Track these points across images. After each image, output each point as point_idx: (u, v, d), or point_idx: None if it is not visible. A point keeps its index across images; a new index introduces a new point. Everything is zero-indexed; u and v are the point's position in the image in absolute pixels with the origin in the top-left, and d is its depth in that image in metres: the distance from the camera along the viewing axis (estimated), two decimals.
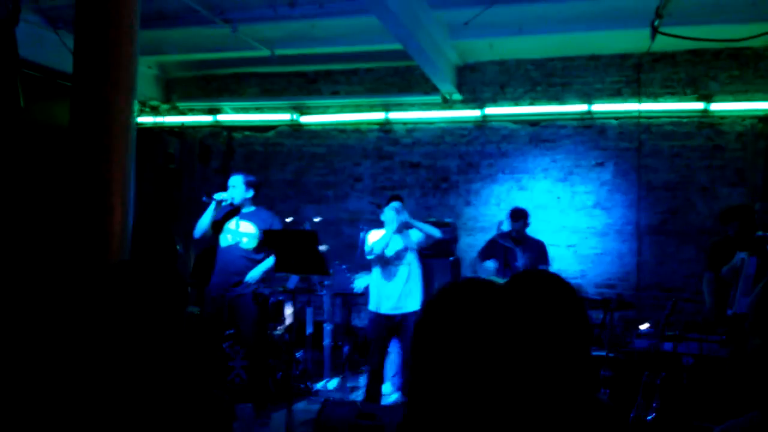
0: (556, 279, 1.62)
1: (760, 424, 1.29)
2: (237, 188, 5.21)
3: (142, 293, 1.50)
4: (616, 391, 4.39)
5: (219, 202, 5.14)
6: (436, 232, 5.23)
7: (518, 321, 1.56)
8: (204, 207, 5.20)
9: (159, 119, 8.45)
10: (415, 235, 5.21)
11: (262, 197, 8.03)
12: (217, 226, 5.20)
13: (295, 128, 8.16)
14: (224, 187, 5.31)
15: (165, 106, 8.50)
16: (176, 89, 8.54)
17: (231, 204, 5.18)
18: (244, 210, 5.25)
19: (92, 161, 2.89)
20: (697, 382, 4.36)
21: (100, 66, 2.98)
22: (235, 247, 5.17)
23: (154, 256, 6.07)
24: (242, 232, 5.20)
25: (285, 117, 8.11)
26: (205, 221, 5.16)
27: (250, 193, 5.27)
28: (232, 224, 5.22)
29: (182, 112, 8.47)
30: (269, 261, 5.19)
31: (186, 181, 8.49)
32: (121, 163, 2.94)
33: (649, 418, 4.14)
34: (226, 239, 5.21)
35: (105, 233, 2.84)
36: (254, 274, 5.15)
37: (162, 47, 7.11)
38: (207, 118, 8.40)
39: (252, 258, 5.19)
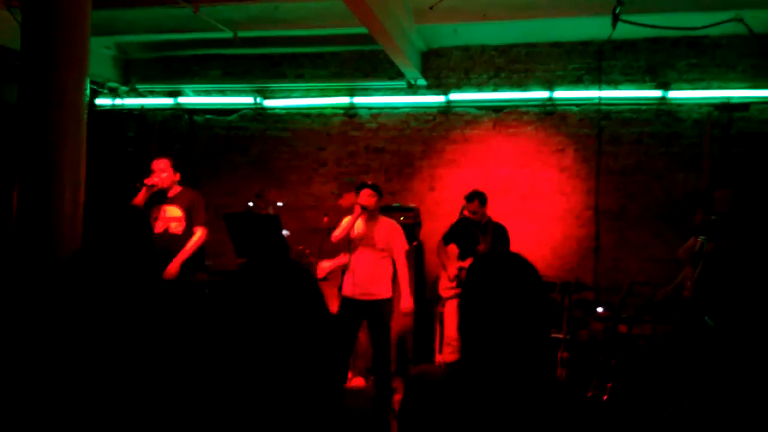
0: (517, 258, 1.64)
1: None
2: (165, 171, 5.05)
3: (93, 285, 1.46)
4: (573, 372, 4.49)
5: (149, 188, 4.95)
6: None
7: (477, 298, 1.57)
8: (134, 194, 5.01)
9: (118, 101, 8.25)
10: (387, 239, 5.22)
11: (227, 182, 7.96)
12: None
13: (259, 112, 8.05)
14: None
15: (124, 89, 8.29)
16: (136, 71, 8.34)
17: (157, 188, 5.01)
18: (169, 194, 5.10)
19: (40, 141, 2.80)
20: (650, 363, 4.48)
21: (48, 43, 2.88)
22: (164, 234, 5.01)
23: (109, 241, 5.93)
24: (169, 216, 5.06)
25: (248, 100, 7.99)
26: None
27: (178, 176, 5.13)
28: (158, 210, 5.06)
29: (142, 95, 8.28)
30: (193, 239, 5.03)
31: (144, 166, 8.32)
32: (72, 144, 2.86)
33: (604, 398, 4.25)
34: (157, 226, 5.02)
35: (55, 215, 2.76)
36: (177, 258, 4.95)
37: (120, 27, 6.93)
38: (167, 101, 8.23)
39: (182, 243, 5.02)
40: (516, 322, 1.53)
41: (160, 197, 5.07)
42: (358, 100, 7.68)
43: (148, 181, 4.95)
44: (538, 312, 1.55)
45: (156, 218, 5.02)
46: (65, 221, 2.77)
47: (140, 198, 4.93)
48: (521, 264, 1.61)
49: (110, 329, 1.57)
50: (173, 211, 5.05)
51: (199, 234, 5.04)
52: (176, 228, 5.02)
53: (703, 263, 4.39)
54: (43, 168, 2.78)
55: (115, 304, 1.58)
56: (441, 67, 7.46)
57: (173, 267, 4.91)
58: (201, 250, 5.23)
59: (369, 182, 5.35)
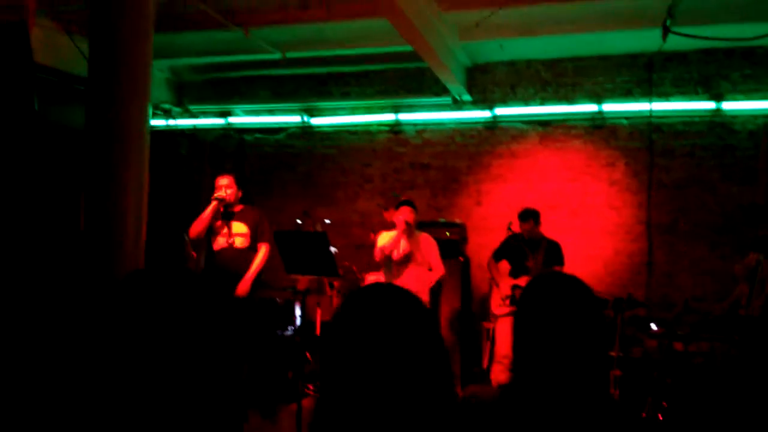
0: (574, 281, 1.64)
1: None
2: (231, 188, 5.14)
3: (159, 301, 1.52)
4: (627, 390, 4.39)
5: (221, 202, 5.05)
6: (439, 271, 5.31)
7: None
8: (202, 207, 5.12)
9: (171, 122, 8.52)
10: (428, 255, 5.26)
11: (275, 198, 8.11)
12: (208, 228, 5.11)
13: (306, 130, 8.20)
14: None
15: (177, 109, 8.57)
16: (188, 92, 8.61)
17: (225, 204, 5.09)
18: (234, 210, 5.19)
19: (107, 166, 2.93)
20: (707, 382, 4.35)
21: (114, 71, 3.02)
22: (229, 249, 5.10)
23: (170, 261, 6.10)
24: (235, 232, 5.14)
25: (296, 119, 8.16)
26: (202, 221, 5.04)
27: (241, 193, 5.22)
28: (223, 226, 5.14)
29: (194, 115, 8.54)
30: (259, 257, 5.12)
31: (197, 183, 8.55)
32: (136, 166, 2.99)
33: (659, 417, 4.14)
34: (219, 241, 5.14)
35: (119, 236, 2.88)
36: (248, 276, 5.04)
37: (174, 51, 7.17)
38: (218, 121, 8.46)
39: (247, 258, 5.11)
40: (572, 345, 1.53)
41: (225, 213, 5.17)
42: (404, 116, 7.74)
43: (219, 195, 5.04)
44: (594, 334, 1.55)
45: (219, 234, 5.13)
46: (129, 240, 2.89)
47: (210, 212, 5.03)
48: (577, 286, 1.61)
49: (171, 345, 1.62)
50: (239, 228, 5.14)
51: (264, 251, 5.15)
52: (242, 243, 5.12)
53: None
54: (109, 190, 2.91)
55: (175, 321, 1.63)
56: (486, 83, 7.47)
57: (245, 285, 5.01)
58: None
59: (403, 198, 5.42)
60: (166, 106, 8.51)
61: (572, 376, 1.53)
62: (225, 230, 5.13)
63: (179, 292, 1.64)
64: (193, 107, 8.51)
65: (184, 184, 8.47)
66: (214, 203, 5.05)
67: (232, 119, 8.42)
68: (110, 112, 2.98)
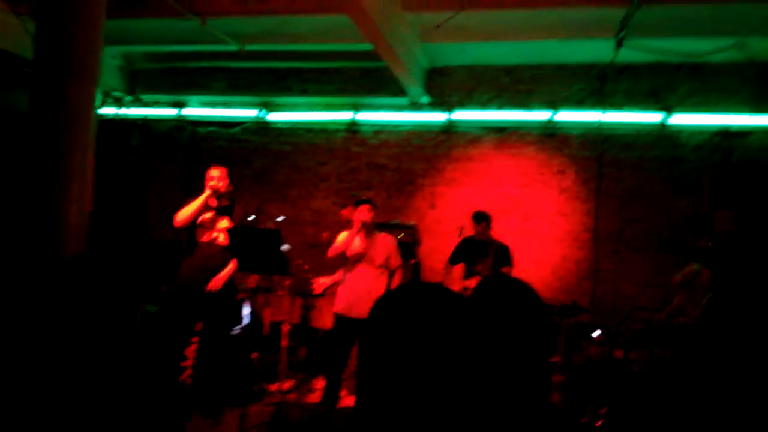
0: (522, 285, 1.65)
1: None
2: (223, 180, 5.01)
3: (91, 288, 1.47)
4: (567, 396, 4.48)
5: (215, 192, 4.94)
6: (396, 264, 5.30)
7: (478, 327, 1.58)
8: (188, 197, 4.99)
9: (122, 111, 8.29)
10: (385, 253, 5.24)
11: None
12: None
13: (262, 125, 8.10)
14: (193, 181, 5.13)
15: (129, 98, 8.35)
16: (141, 81, 8.40)
17: (217, 195, 4.98)
18: (222, 205, 5.08)
19: (50, 150, 2.82)
20: (646, 389, 4.47)
21: (61, 54, 2.91)
22: (212, 244, 5.01)
23: (111, 250, 5.93)
24: (221, 228, 5.03)
25: (252, 113, 8.04)
26: (193, 210, 4.90)
27: (231, 187, 5.13)
28: (209, 218, 5.03)
29: (146, 105, 8.33)
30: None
31: (147, 175, 8.35)
32: (80, 152, 2.89)
33: (597, 424, 4.23)
34: (204, 234, 5.02)
35: (61, 223, 2.78)
36: (223, 275, 4.98)
37: (127, 37, 6.98)
38: (172, 112, 8.28)
39: (226, 255, 5.00)
40: (516, 348, 1.53)
41: (217, 208, 5.04)
42: (361, 116, 7.72)
43: (212, 185, 4.92)
44: (538, 338, 1.56)
45: (204, 226, 5.00)
46: (71, 226, 2.79)
47: (203, 201, 4.89)
48: (525, 290, 1.62)
49: (102, 331, 1.58)
50: (225, 223, 5.03)
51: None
52: (224, 240, 5.00)
53: (711, 292, 4.40)
54: (52, 174, 2.81)
55: (108, 307, 1.60)
56: (445, 86, 7.51)
57: (217, 282, 4.95)
58: None
59: (364, 197, 5.38)
60: (118, 94, 8.28)
61: (514, 379, 1.54)
62: (211, 224, 5.01)
63: (109, 279, 1.59)
64: (145, 96, 8.30)
65: (133, 174, 8.25)
66: (207, 192, 4.91)
67: (185, 111, 8.25)
68: (55, 96, 2.87)
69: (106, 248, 5.77)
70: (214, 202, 5.04)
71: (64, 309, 1.54)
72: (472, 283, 5.66)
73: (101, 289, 1.58)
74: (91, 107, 3.00)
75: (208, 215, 5.02)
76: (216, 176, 5.01)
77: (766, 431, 3.22)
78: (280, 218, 6.57)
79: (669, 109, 6.84)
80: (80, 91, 2.90)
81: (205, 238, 5.03)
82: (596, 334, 5.28)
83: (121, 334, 1.60)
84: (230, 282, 5.09)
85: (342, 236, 5.28)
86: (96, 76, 3.03)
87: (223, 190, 5.02)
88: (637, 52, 5.90)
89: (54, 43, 2.92)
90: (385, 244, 5.29)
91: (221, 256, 4.99)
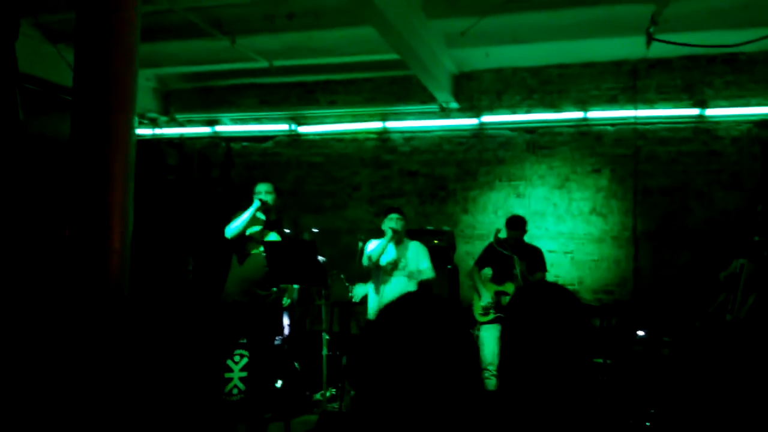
0: (561, 289, 1.65)
1: None
2: (271, 194, 5.07)
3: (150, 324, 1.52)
4: (614, 397, 4.41)
5: (265, 205, 4.99)
6: (429, 274, 5.27)
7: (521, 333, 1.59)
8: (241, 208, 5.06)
9: (157, 131, 8.49)
10: (417, 261, 5.25)
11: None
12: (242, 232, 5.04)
13: (294, 138, 8.20)
14: (235, 198, 5.18)
15: (163, 118, 8.54)
16: (175, 101, 8.59)
17: (266, 207, 5.05)
18: (270, 219, 5.14)
19: (92, 177, 2.91)
20: (694, 388, 4.37)
21: (100, 81, 3.01)
22: (259, 256, 5.01)
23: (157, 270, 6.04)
24: (267, 240, 5.05)
25: (283, 127, 8.16)
26: (245, 222, 4.95)
27: (280, 201, 5.20)
28: (258, 232, 5.07)
29: (181, 124, 8.51)
30: None
31: (185, 192, 8.51)
32: (121, 179, 2.97)
33: (647, 423, 4.16)
34: (253, 246, 5.05)
35: (105, 250, 2.86)
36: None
37: (160, 60, 7.15)
38: (205, 130, 8.44)
39: None
40: (559, 352, 1.54)
41: (266, 222, 5.10)
42: (391, 124, 7.76)
43: (261, 199, 4.97)
44: (580, 341, 1.56)
45: (253, 239, 5.04)
46: (114, 255, 2.86)
47: (253, 211, 4.95)
48: (564, 294, 1.62)
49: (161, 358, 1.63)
50: (273, 237, 5.09)
51: None
52: None
53: (759, 290, 4.29)
54: (94, 204, 2.89)
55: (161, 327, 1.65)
56: (473, 90, 7.50)
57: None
58: None
59: (394, 207, 5.41)
60: (153, 115, 8.48)
61: (559, 383, 1.54)
62: (260, 237, 5.05)
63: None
64: (179, 116, 8.49)
65: (172, 193, 8.42)
66: (258, 204, 4.97)
67: (219, 128, 8.40)
68: (95, 123, 2.96)
69: (151, 270, 5.88)
70: (262, 216, 5.11)
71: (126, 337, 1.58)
72: (508, 288, 5.61)
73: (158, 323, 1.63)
74: (129, 135, 3.09)
75: (257, 229, 5.09)
76: (264, 190, 5.08)
77: None
78: (315, 229, 6.63)
79: (704, 103, 6.72)
80: (120, 121, 2.98)
81: (253, 251, 5.07)
82: (640, 333, 5.19)
83: (173, 356, 1.65)
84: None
85: (373, 244, 5.30)
86: (134, 102, 3.12)
87: (271, 203, 5.09)
88: (668, 46, 5.80)
89: (92, 69, 3.02)
90: (417, 250, 5.30)
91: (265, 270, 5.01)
